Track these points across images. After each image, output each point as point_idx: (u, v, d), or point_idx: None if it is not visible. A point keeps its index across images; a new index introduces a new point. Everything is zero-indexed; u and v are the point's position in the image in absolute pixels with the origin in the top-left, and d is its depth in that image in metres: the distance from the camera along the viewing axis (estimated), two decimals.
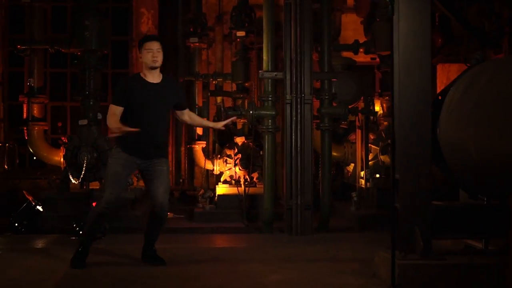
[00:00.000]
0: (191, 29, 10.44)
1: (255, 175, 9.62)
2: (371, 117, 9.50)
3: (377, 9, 9.65)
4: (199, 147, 10.49)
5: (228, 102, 10.46)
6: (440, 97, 5.48)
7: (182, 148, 11.42)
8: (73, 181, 8.59)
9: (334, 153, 10.27)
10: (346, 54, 10.67)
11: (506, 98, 4.57)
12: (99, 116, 9.00)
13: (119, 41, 13.08)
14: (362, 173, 9.50)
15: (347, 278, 5.61)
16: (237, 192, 9.37)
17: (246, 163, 9.55)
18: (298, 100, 7.95)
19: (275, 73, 8.16)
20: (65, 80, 13.04)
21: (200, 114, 10.36)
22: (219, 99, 10.80)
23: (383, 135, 9.81)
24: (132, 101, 5.84)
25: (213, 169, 10.03)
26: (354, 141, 10.12)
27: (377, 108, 10.27)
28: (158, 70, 5.96)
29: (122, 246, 7.06)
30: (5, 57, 12.46)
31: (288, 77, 8.01)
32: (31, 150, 9.90)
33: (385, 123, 9.92)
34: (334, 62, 9.97)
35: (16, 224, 8.06)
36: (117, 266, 6.12)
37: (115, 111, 5.84)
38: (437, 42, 12.11)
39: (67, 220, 8.04)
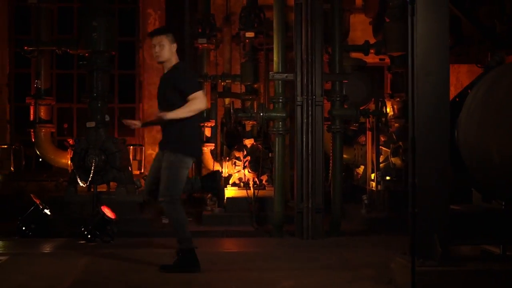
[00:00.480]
0: (199, 30, 10.33)
1: (264, 178, 9.51)
2: (382, 119, 9.37)
3: (387, 10, 9.53)
4: (207, 149, 10.38)
5: (237, 104, 10.35)
6: (457, 99, 5.36)
7: None
8: (81, 184, 8.48)
9: (344, 155, 10.17)
10: (354, 54, 10.55)
11: None
12: (107, 118, 8.90)
13: (126, 42, 12.99)
14: (373, 176, 9.38)
15: (364, 284, 5.50)
16: (246, 194, 9.24)
17: (255, 166, 9.44)
18: (309, 102, 7.84)
19: (286, 74, 8.05)
20: (71, 82, 12.96)
21: (208, 116, 10.28)
22: (227, 100, 10.69)
23: (394, 137, 9.69)
24: None
25: (222, 172, 9.91)
26: (363, 143, 10.01)
27: (388, 109, 10.15)
28: (168, 63, 5.96)
29: (131, 250, 6.98)
30: (12, 58, 12.39)
31: (299, 78, 7.90)
32: (38, 152, 9.82)
33: (396, 125, 9.79)
34: (344, 63, 9.86)
35: (24, 228, 7.94)
36: (126, 271, 6.01)
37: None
38: None
39: (75, 224, 7.93)
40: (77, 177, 8.48)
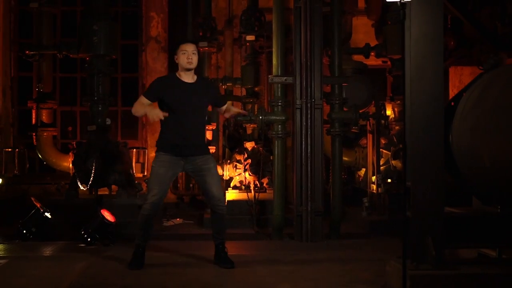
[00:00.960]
0: (201, 33, 10.36)
1: (265, 181, 9.52)
2: (383, 122, 9.38)
3: (388, 12, 9.53)
4: None
5: (238, 107, 10.36)
6: (452, 103, 5.36)
7: None
8: (82, 187, 8.53)
9: (345, 158, 10.18)
10: (357, 57, 10.55)
11: None
12: (108, 121, 8.95)
13: (129, 45, 13.06)
14: (374, 178, 9.38)
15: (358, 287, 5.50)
16: (247, 197, 9.26)
17: (256, 169, 9.46)
18: (308, 105, 7.84)
19: (285, 77, 8.05)
20: (75, 85, 13.02)
21: (210, 119, 10.30)
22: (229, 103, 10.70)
23: (395, 139, 9.70)
24: (169, 101, 6.07)
25: (223, 175, 9.93)
26: (365, 145, 10.01)
27: (389, 112, 10.15)
28: (192, 71, 6.21)
29: (130, 253, 6.95)
30: (15, 62, 12.46)
31: (298, 81, 7.90)
32: (40, 156, 9.86)
33: (397, 127, 9.80)
34: (345, 66, 9.86)
35: (24, 231, 7.99)
36: (124, 274, 6.03)
37: (143, 101, 6.14)
38: (449, 44, 11.99)
39: (75, 227, 7.95)
40: (78, 180, 8.52)
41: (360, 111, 8.48)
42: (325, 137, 8.26)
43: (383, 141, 9.61)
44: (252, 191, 9.29)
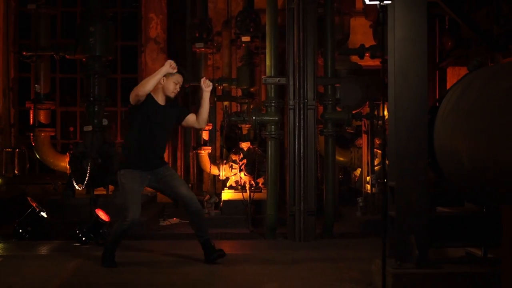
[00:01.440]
0: (197, 34, 10.43)
1: (260, 181, 9.59)
2: (380, 122, 9.41)
3: (383, 13, 9.55)
4: (205, 152, 10.48)
5: (234, 107, 10.44)
6: (437, 104, 5.42)
7: (191, 154, 11.43)
8: (77, 187, 8.61)
9: (341, 158, 10.25)
10: (355, 58, 10.58)
11: (497, 106, 4.50)
12: (105, 122, 9.03)
13: (129, 46, 13.14)
14: (368, 178, 9.43)
15: (344, 286, 5.56)
16: (242, 197, 9.33)
17: (252, 169, 9.53)
18: (301, 105, 7.89)
19: (278, 78, 8.11)
20: (75, 85, 13.11)
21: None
22: (227, 104, 10.77)
23: None
24: (144, 118, 6.21)
25: (219, 174, 10.01)
26: (360, 146, 10.06)
27: (385, 112, 10.16)
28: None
29: (124, 253, 7.01)
30: (15, 62, 12.56)
31: (291, 82, 7.96)
32: (37, 156, 9.95)
33: None
34: (341, 67, 9.92)
35: (21, 231, 8.07)
36: (117, 273, 6.11)
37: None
38: (446, 45, 12.04)
39: (71, 226, 8.04)
40: (74, 180, 8.60)
41: (354, 112, 8.53)
42: (321, 138, 8.32)
43: (377, 141, 9.65)
44: (248, 191, 9.36)
